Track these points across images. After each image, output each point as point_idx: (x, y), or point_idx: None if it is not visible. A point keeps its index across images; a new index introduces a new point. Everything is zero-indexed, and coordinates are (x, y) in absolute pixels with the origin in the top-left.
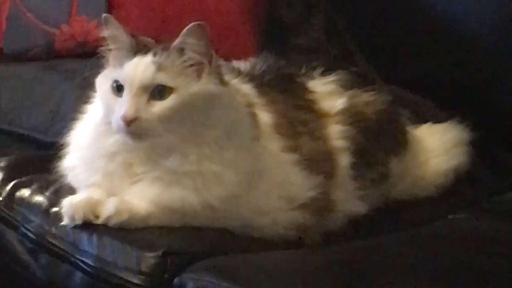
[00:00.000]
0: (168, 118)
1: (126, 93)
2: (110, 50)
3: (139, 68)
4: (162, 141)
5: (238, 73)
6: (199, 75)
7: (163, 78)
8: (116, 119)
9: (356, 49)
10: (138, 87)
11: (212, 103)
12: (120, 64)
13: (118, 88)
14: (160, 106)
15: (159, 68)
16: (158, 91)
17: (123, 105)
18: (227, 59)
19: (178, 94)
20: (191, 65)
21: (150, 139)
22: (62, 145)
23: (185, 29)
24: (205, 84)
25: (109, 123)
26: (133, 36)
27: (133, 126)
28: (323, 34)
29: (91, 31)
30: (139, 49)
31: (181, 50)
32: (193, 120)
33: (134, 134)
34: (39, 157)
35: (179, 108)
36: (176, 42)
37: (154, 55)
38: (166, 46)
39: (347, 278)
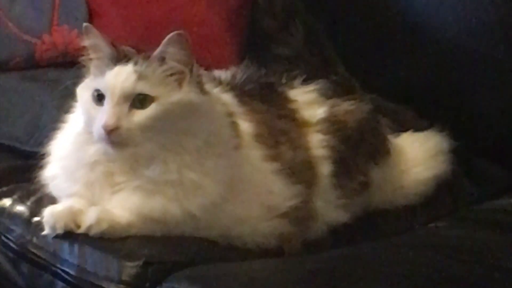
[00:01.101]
0: (149, 127)
1: (107, 102)
2: (91, 59)
3: (120, 77)
4: (142, 150)
5: (219, 82)
6: (180, 84)
7: (144, 87)
8: (97, 128)
9: (336, 58)
10: (120, 96)
11: (192, 112)
12: (101, 73)
13: (99, 97)
14: (141, 115)
15: (140, 77)
16: (139, 100)
17: (104, 114)
18: (208, 68)
19: (159, 103)
20: (172, 74)
21: (131, 148)
22: (43, 154)
23: (166, 38)
24: (186, 93)
25: (90, 133)
26: (114, 45)
27: (114, 135)
28: (304, 43)
29: (72, 41)
30: (119, 58)
31: (162, 59)
32: (173, 129)
33: (115, 143)
34: (20, 167)
35: (160, 117)
36: (157, 51)
37: (135, 64)
38: (147, 55)
39: (327, 287)
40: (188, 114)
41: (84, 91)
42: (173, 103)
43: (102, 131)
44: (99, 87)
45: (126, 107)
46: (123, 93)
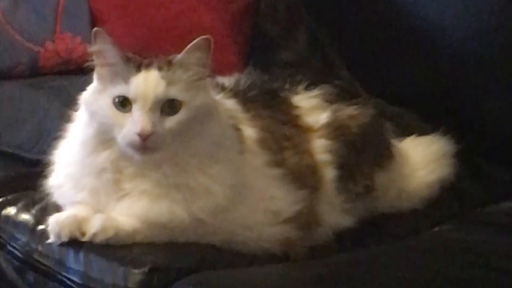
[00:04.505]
0: (178, 132)
1: (138, 108)
2: (95, 65)
3: (150, 83)
4: (167, 155)
5: (222, 88)
6: (197, 88)
7: (174, 92)
8: (129, 135)
9: (340, 62)
10: (153, 102)
11: (208, 115)
12: (124, 79)
13: (123, 104)
14: (172, 120)
15: (169, 82)
16: (168, 105)
17: (138, 121)
18: (212, 74)
19: (187, 107)
20: (196, 79)
21: (158, 153)
22: (47, 163)
23: (192, 44)
24: (206, 97)
25: (106, 139)
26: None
27: (149, 141)
28: (307, 48)
29: (76, 48)
30: (138, 63)
31: (186, 64)
32: (193, 132)
33: (147, 149)
34: (24, 175)
35: (188, 121)
36: (182, 56)
37: (160, 69)
38: (169, 60)
39: None
40: (204, 117)
41: (96, 98)
42: (197, 107)
43: (135, 138)
44: (125, 93)
45: (158, 112)
46: (156, 99)
